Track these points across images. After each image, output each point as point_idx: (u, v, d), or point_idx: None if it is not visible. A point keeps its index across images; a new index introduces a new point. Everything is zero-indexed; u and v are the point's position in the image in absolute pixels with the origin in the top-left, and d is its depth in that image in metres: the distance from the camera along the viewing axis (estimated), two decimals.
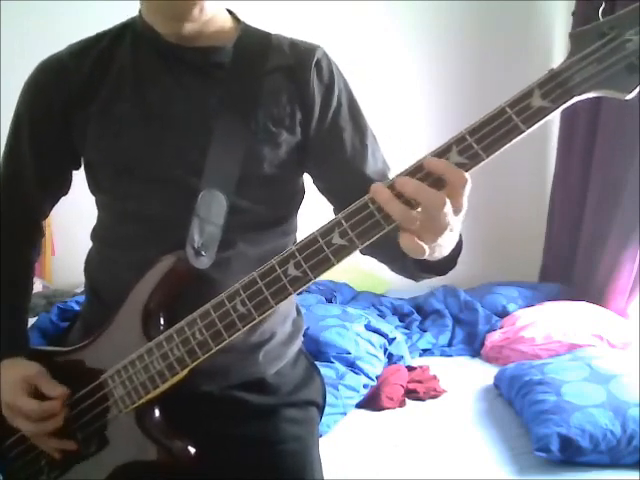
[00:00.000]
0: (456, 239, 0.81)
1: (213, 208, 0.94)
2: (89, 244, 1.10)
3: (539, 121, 0.72)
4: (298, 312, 1.15)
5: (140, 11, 1.01)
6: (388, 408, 2.21)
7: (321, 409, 1.16)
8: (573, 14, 2.97)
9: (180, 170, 0.96)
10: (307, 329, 2.25)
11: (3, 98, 2.65)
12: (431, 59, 3.22)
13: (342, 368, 2.28)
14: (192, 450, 0.96)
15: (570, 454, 1.83)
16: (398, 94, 3.18)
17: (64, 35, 1.10)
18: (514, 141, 0.72)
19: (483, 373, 2.46)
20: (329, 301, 2.96)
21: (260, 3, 2.73)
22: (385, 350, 2.48)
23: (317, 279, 0.81)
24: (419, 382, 2.34)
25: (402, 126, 3.07)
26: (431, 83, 3.25)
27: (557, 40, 3.25)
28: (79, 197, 1.15)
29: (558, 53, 3.24)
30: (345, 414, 2.14)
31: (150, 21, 0.98)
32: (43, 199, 1.10)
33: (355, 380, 2.23)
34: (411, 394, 2.29)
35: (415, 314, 2.93)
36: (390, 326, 2.67)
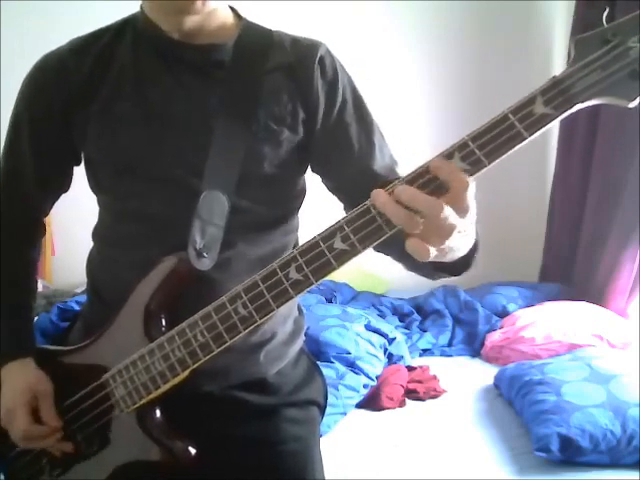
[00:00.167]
0: (471, 241, 0.80)
1: (214, 209, 0.94)
2: (89, 244, 1.10)
3: (542, 128, 0.71)
4: (300, 311, 1.15)
5: (141, 7, 1.01)
6: (388, 408, 2.21)
7: (322, 409, 1.16)
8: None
9: (180, 169, 0.96)
10: (307, 329, 2.24)
11: (3, 98, 2.65)
12: (431, 59, 3.22)
13: (342, 368, 2.28)
14: (193, 450, 0.96)
15: (570, 454, 1.83)
16: (398, 94, 3.18)
17: (64, 35, 1.09)
18: (516, 148, 0.72)
19: (483, 373, 2.45)
20: (329, 301, 2.96)
21: (260, 3, 2.73)
22: (385, 350, 2.48)
23: (318, 283, 0.81)
24: (419, 382, 2.34)
25: (402, 126, 3.06)
26: (431, 83, 3.25)
27: (557, 40, 3.25)
28: (79, 196, 1.15)
29: (558, 53, 3.24)
30: (345, 414, 2.14)
31: (152, 16, 0.98)
32: (44, 197, 1.10)
33: (355, 380, 2.23)
34: (411, 394, 2.29)
35: (415, 314, 2.93)
36: (390, 326, 2.67)
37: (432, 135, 2.90)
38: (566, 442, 1.83)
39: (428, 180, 0.73)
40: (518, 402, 2.12)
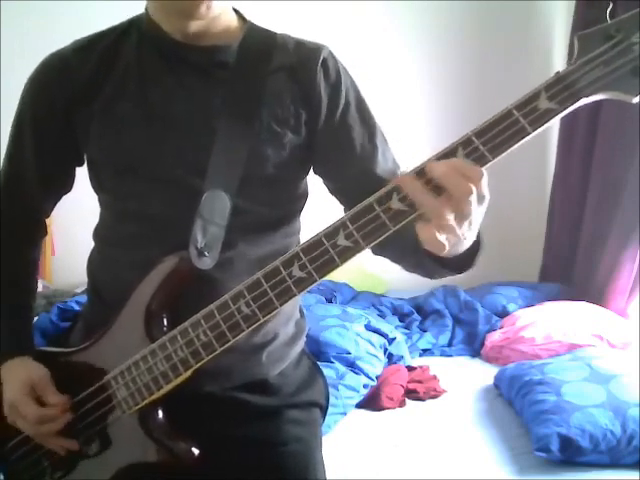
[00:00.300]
0: (474, 234, 0.80)
1: (216, 209, 0.94)
2: (89, 244, 1.10)
3: (546, 123, 0.72)
4: (301, 313, 1.15)
5: (146, 8, 1.00)
6: (388, 408, 2.21)
7: (324, 410, 1.16)
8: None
9: (182, 170, 0.96)
10: (307, 329, 2.24)
11: (3, 98, 2.65)
12: (431, 59, 3.22)
13: (342, 368, 2.27)
14: (196, 451, 0.96)
15: (570, 454, 1.83)
16: (398, 94, 3.18)
17: (64, 35, 1.09)
18: (520, 143, 0.72)
19: (483, 373, 2.46)
20: (329, 301, 2.96)
21: (260, 3, 2.73)
22: (385, 350, 2.48)
23: (321, 280, 0.81)
24: (419, 382, 2.34)
25: (402, 126, 3.06)
26: (431, 83, 3.25)
27: (557, 40, 3.25)
28: (79, 197, 1.15)
29: (558, 53, 3.24)
30: (345, 414, 2.14)
31: (156, 19, 0.98)
32: (45, 197, 1.10)
33: (355, 380, 2.23)
34: (411, 394, 2.29)
35: (415, 314, 2.93)
36: (390, 326, 2.67)
37: (432, 135, 2.90)
38: (566, 442, 1.83)
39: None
40: (518, 402, 2.12)
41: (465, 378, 2.43)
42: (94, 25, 1.07)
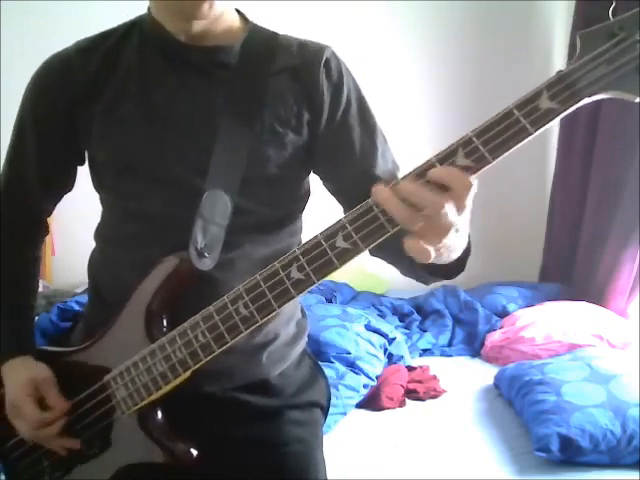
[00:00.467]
0: (465, 240, 0.80)
1: (217, 209, 0.94)
2: (89, 244, 1.10)
3: (547, 123, 0.71)
4: (302, 313, 1.15)
5: (149, 9, 1.00)
6: (388, 408, 2.21)
7: (325, 410, 1.16)
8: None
9: (182, 170, 0.96)
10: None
11: (3, 98, 2.65)
12: (431, 59, 3.22)
13: (342, 368, 2.28)
14: (194, 452, 0.96)
15: (570, 454, 1.84)
16: (398, 94, 3.18)
17: (64, 35, 1.09)
18: (521, 143, 0.72)
19: (483, 373, 2.46)
20: (329, 301, 2.96)
21: (262, 3, 2.73)
22: (385, 350, 2.48)
23: (320, 282, 0.81)
24: (419, 382, 2.34)
25: (402, 126, 3.06)
26: (431, 83, 3.25)
27: (557, 40, 3.25)
28: (80, 196, 1.15)
29: (558, 53, 3.24)
30: (345, 414, 2.14)
31: (159, 19, 0.98)
32: (47, 197, 1.10)
33: (355, 380, 2.23)
34: (411, 394, 2.29)
35: (415, 314, 2.93)
36: (390, 326, 2.67)
37: (432, 135, 2.90)
38: (566, 442, 1.83)
39: (429, 180, 0.73)
40: (518, 402, 2.12)
41: (465, 378, 2.43)
42: (94, 25, 1.07)
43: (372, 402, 2.24)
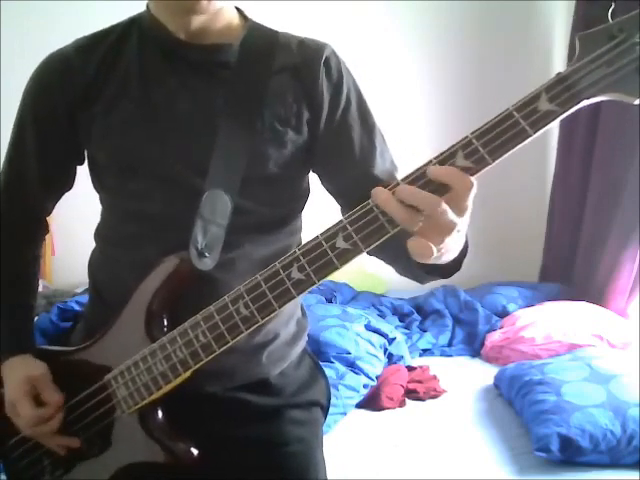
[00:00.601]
0: (463, 241, 0.81)
1: (217, 209, 0.94)
2: (89, 244, 1.10)
3: (546, 125, 0.71)
4: (302, 313, 1.15)
5: (147, 6, 1.00)
6: (388, 408, 2.21)
7: (325, 410, 1.16)
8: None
9: (183, 169, 0.96)
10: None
11: (3, 98, 2.65)
12: (431, 59, 3.22)
13: (342, 368, 2.28)
14: (195, 452, 0.96)
15: (570, 454, 1.84)
16: (398, 94, 3.18)
17: (64, 35, 1.09)
18: (520, 145, 0.72)
19: (483, 373, 2.46)
20: (329, 301, 2.96)
21: (261, 2, 2.73)
22: (385, 350, 2.48)
23: (320, 282, 0.81)
24: (419, 382, 2.35)
25: (402, 126, 3.07)
26: (431, 83, 3.25)
27: (557, 40, 3.25)
28: (80, 196, 1.15)
29: (558, 53, 3.24)
30: (345, 414, 2.14)
31: (157, 16, 0.98)
32: (47, 196, 1.10)
33: (355, 380, 2.23)
34: (411, 394, 2.29)
35: (415, 314, 2.93)
36: (390, 326, 2.67)
37: (432, 135, 2.91)
38: (566, 442, 1.83)
39: (429, 181, 0.73)
40: (518, 402, 2.12)
41: (465, 378, 2.43)
42: (94, 25, 1.06)
43: (372, 402, 2.24)
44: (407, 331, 2.79)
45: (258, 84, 0.97)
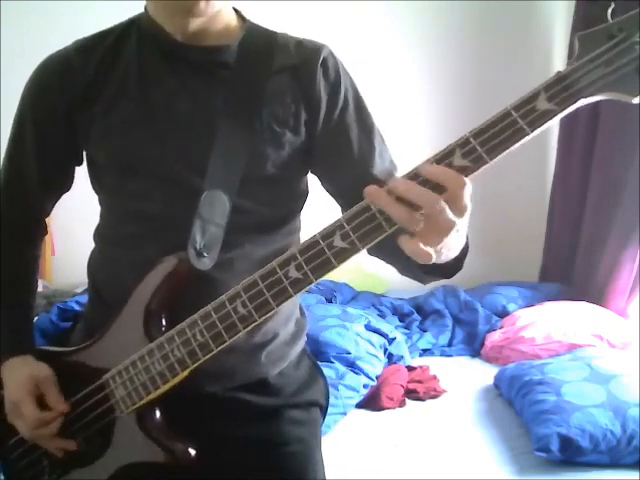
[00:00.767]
0: (463, 240, 0.80)
1: (216, 209, 0.94)
2: (89, 244, 1.10)
3: (544, 124, 0.71)
4: (301, 313, 1.15)
5: (146, 8, 1.00)
6: (388, 408, 2.21)
7: (324, 410, 1.16)
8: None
9: (182, 169, 0.96)
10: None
11: (3, 98, 2.65)
12: (431, 59, 3.22)
13: (342, 368, 2.27)
14: (192, 451, 0.96)
15: (570, 454, 1.83)
16: (398, 94, 3.18)
17: (64, 35, 1.09)
18: (518, 144, 0.72)
19: (483, 373, 2.46)
20: (329, 301, 2.96)
21: (260, 3, 2.73)
22: (385, 350, 2.48)
23: (318, 281, 0.81)
24: (419, 382, 2.34)
25: (402, 126, 3.06)
26: (431, 83, 3.25)
27: (557, 40, 3.25)
28: (79, 196, 1.15)
29: (558, 53, 3.24)
30: (345, 414, 2.14)
31: (156, 18, 0.98)
32: (46, 197, 1.10)
33: (355, 380, 2.23)
34: (411, 394, 2.29)
35: (415, 314, 2.93)
36: (390, 326, 2.67)
37: (432, 135, 2.90)
38: (566, 442, 1.83)
39: (425, 180, 0.72)
40: (518, 402, 2.12)
41: (465, 378, 2.43)
42: (94, 25, 1.06)
43: (372, 402, 2.24)
44: (407, 331, 2.78)
45: (257, 84, 0.97)
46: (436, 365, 2.51)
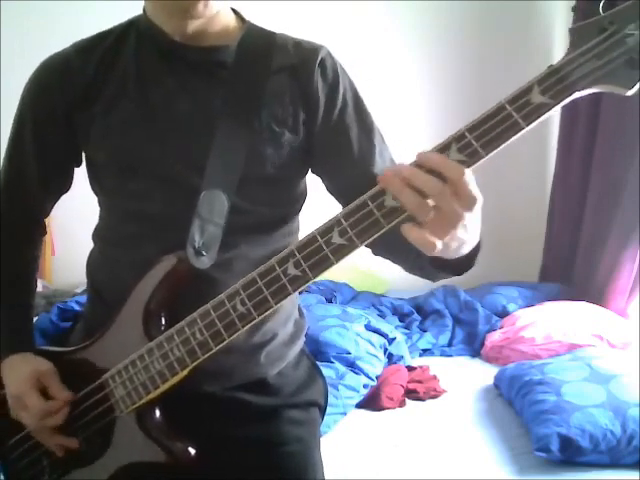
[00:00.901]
0: (476, 236, 0.79)
1: (214, 208, 0.94)
2: (89, 244, 1.10)
3: (539, 117, 0.71)
4: (300, 313, 1.15)
5: (144, 9, 1.00)
6: (388, 408, 2.21)
7: (323, 410, 1.16)
8: (573, 9, 2.97)
9: (182, 169, 0.96)
10: (307, 329, 2.25)
11: (3, 98, 2.65)
12: (431, 59, 3.22)
13: (342, 368, 2.27)
14: (192, 451, 0.96)
15: (570, 454, 1.83)
16: (398, 94, 3.18)
17: (64, 35, 1.09)
18: (514, 138, 0.71)
19: (483, 373, 2.46)
20: (329, 301, 2.96)
21: (260, 3, 2.73)
22: (385, 350, 2.48)
23: (316, 278, 0.81)
24: (419, 382, 2.34)
25: (402, 126, 3.06)
26: (431, 83, 3.25)
27: (557, 40, 3.25)
28: (79, 196, 1.15)
29: (558, 53, 3.23)
30: (345, 414, 2.14)
31: (154, 19, 0.98)
32: (45, 197, 1.10)
33: (355, 380, 2.23)
34: (411, 394, 2.29)
35: (415, 314, 2.93)
36: (390, 326, 2.67)
37: (432, 135, 2.88)
38: (566, 442, 1.83)
39: (427, 171, 0.72)
40: (518, 402, 2.12)
41: (465, 378, 2.43)
42: (94, 25, 1.07)
43: (372, 402, 2.24)
44: (407, 331, 2.79)
45: (256, 84, 0.97)
46: (436, 365, 2.51)
